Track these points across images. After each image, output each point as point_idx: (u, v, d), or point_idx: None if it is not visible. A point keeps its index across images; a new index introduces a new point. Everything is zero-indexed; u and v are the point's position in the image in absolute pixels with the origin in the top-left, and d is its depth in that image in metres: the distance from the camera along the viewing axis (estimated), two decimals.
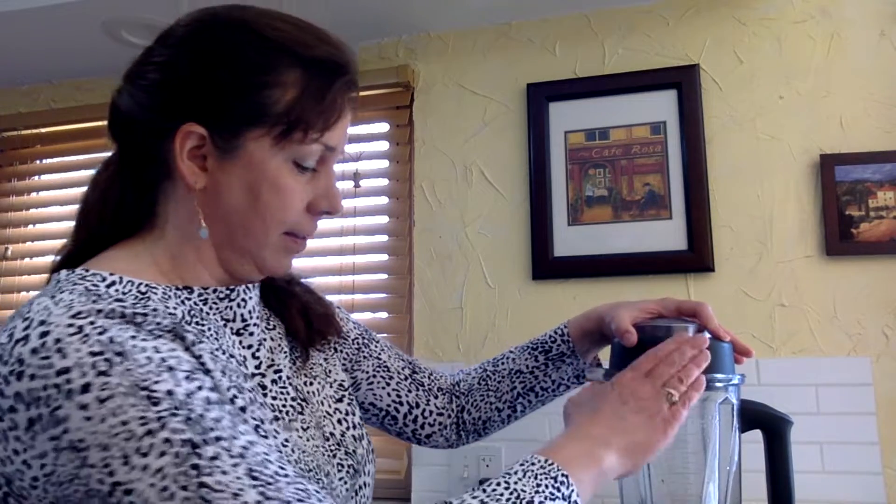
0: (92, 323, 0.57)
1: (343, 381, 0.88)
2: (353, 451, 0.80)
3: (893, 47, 1.56)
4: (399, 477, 1.72)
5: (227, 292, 0.74)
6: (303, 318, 0.85)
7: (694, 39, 1.66)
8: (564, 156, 1.69)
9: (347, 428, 0.82)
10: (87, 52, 1.91)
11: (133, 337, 0.58)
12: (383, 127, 1.87)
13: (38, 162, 2.13)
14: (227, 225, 0.71)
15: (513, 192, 1.72)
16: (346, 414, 0.83)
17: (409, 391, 0.99)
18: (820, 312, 1.51)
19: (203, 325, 0.70)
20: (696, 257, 1.57)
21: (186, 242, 0.72)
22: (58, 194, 2.09)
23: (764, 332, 1.53)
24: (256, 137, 0.68)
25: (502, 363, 1.02)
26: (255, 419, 0.66)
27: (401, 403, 0.98)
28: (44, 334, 0.56)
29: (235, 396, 0.65)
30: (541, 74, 1.74)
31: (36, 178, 2.15)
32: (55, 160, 2.10)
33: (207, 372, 0.62)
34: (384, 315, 1.82)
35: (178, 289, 0.71)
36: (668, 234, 1.60)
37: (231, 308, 0.74)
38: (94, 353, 0.55)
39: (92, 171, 0.78)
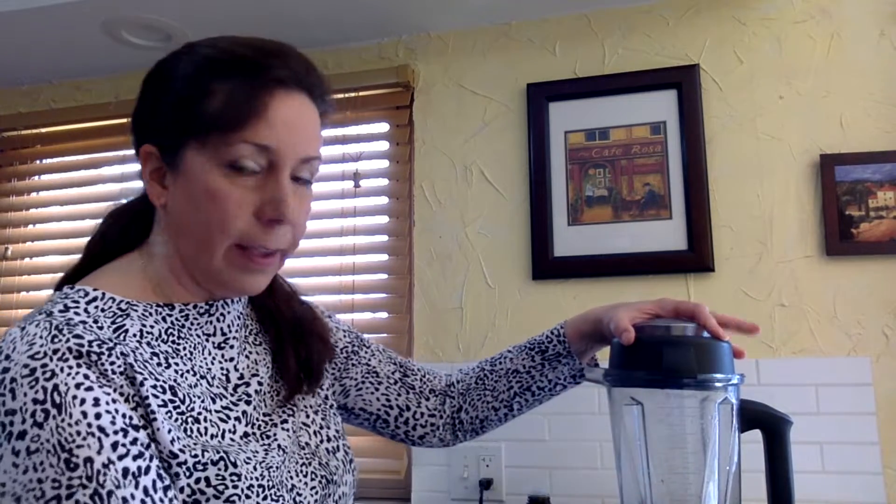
0: (44, 366, 0.59)
1: (322, 394, 0.89)
2: (326, 463, 0.81)
3: (893, 47, 1.56)
4: (399, 477, 1.72)
5: (207, 307, 0.76)
6: (299, 365, 0.84)
7: (694, 39, 1.67)
8: (564, 156, 1.69)
9: (322, 440, 0.83)
10: (87, 52, 1.91)
11: (78, 385, 0.60)
12: (383, 127, 1.87)
13: (38, 162, 2.13)
14: (184, 240, 0.73)
15: (513, 192, 1.72)
16: (321, 427, 0.84)
17: (399, 395, 1.00)
18: (820, 312, 1.51)
19: (179, 343, 0.72)
20: (696, 257, 1.57)
21: (164, 260, 0.75)
22: (58, 194, 2.08)
23: (764, 332, 1.52)
24: (192, 148, 0.70)
25: (500, 363, 1.03)
26: (219, 439, 0.69)
27: (391, 407, 1.00)
28: (4, 370, 0.60)
29: (198, 417, 0.68)
30: (541, 74, 1.74)
31: (36, 178, 2.15)
32: (55, 160, 2.10)
33: (150, 420, 0.63)
34: (384, 315, 1.82)
35: (159, 306, 0.72)
36: (668, 234, 1.60)
37: (211, 322, 0.76)
38: (36, 401, 0.58)
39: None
